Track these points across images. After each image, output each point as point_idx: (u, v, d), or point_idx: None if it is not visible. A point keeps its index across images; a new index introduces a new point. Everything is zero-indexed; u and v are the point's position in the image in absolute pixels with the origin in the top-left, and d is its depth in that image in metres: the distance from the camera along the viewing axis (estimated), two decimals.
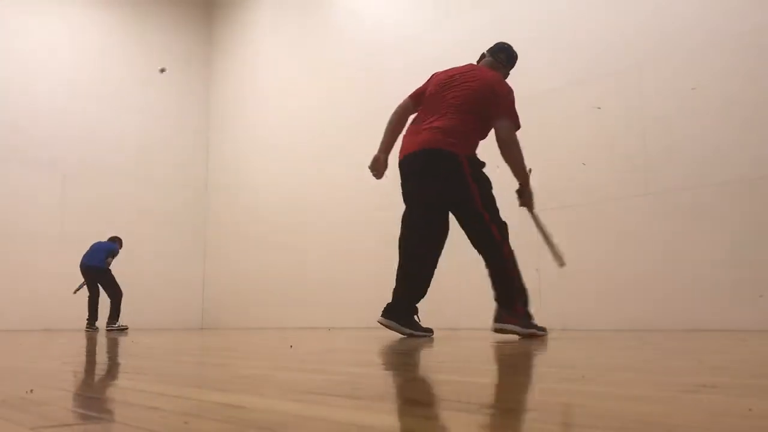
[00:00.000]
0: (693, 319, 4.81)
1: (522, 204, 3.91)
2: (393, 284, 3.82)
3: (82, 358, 2.40)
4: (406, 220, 3.80)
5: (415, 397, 1.09)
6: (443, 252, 3.87)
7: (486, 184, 3.70)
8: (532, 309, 3.69)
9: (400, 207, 3.87)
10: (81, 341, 4.33)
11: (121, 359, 2.44)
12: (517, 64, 4.26)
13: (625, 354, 2.27)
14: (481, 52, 4.19)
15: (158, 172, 10.46)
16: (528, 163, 6.10)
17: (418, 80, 7.52)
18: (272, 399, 1.14)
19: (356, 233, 7.86)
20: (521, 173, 3.79)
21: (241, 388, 1.32)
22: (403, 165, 3.76)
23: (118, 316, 8.35)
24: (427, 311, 6.67)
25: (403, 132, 3.91)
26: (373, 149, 3.99)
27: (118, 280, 8.93)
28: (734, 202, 4.78)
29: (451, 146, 3.59)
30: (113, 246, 8.53)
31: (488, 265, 3.67)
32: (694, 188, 5.00)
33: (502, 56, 4.13)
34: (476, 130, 3.74)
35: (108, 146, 10.16)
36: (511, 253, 3.67)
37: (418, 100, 3.97)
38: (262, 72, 10.02)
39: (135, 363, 2.24)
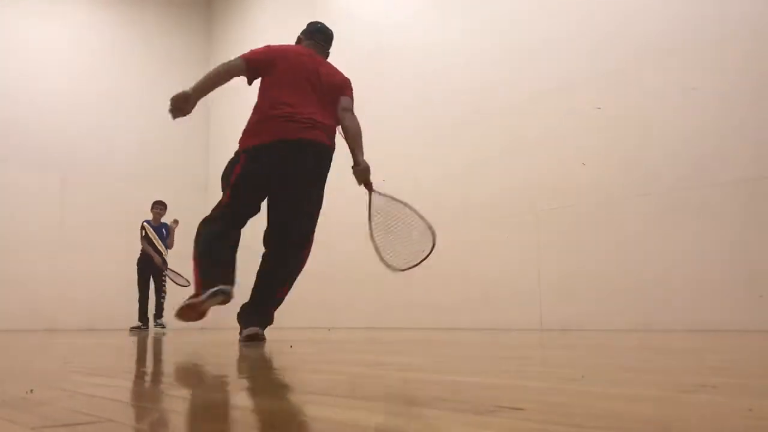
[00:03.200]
0: (693, 319, 4.81)
1: (363, 180, 3.71)
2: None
3: (82, 359, 2.40)
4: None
5: (415, 397, 1.09)
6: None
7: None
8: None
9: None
10: (81, 341, 4.33)
11: (121, 359, 2.44)
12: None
13: (624, 354, 2.28)
14: (298, 36, 4.13)
15: (158, 173, 10.45)
16: (529, 162, 6.14)
17: (417, 81, 7.56)
18: (272, 399, 1.14)
19: (356, 233, 7.85)
20: (361, 145, 3.68)
21: (242, 388, 1.32)
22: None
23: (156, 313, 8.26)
24: (426, 311, 6.68)
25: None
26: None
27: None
28: (734, 202, 4.78)
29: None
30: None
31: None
32: (694, 188, 5.00)
33: (320, 37, 4.13)
34: None
35: (108, 147, 10.16)
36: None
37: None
38: None
39: (135, 363, 2.24)
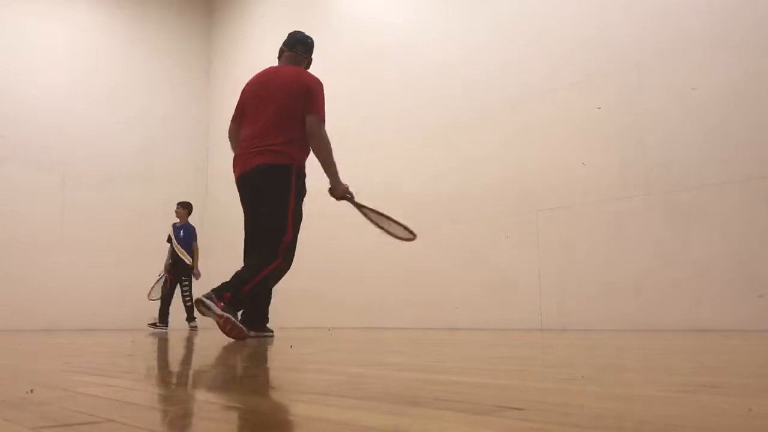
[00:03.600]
0: (693, 319, 4.81)
1: (339, 198, 4.09)
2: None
3: (82, 359, 2.40)
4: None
5: (415, 397, 1.09)
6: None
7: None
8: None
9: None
10: (81, 341, 4.33)
11: (121, 359, 2.44)
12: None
13: (625, 354, 2.28)
14: (280, 47, 4.31)
15: (158, 173, 10.45)
16: (529, 162, 6.11)
17: (417, 80, 7.56)
18: (273, 399, 1.14)
19: (356, 233, 7.85)
20: (332, 169, 3.98)
21: (242, 388, 1.32)
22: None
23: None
24: (426, 311, 6.68)
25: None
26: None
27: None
28: (734, 202, 4.78)
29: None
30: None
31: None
32: (694, 188, 5.00)
33: (301, 48, 4.25)
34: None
35: (108, 147, 10.15)
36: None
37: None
38: None
39: (134, 363, 2.24)
